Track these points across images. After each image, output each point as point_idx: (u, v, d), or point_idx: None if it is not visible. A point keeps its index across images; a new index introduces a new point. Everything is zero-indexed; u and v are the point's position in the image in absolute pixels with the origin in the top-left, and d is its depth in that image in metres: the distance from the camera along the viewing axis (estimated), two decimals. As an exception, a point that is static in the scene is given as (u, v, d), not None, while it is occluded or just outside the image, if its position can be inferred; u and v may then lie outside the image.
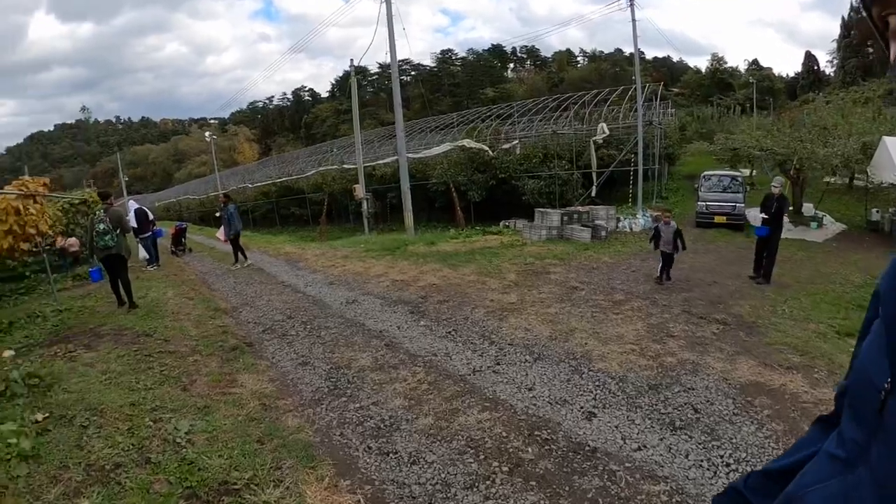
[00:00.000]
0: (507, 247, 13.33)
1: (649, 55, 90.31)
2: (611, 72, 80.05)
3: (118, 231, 8.77)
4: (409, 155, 24.41)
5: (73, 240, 13.64)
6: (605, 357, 5.96)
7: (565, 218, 14.60)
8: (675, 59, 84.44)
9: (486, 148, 23.40)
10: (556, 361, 5.92)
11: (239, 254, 13.47)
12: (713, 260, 11.84)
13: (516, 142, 23.67)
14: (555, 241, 13.99)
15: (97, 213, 8.88)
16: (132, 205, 14.84)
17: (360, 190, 22.07)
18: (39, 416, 5.01)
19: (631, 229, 15.63)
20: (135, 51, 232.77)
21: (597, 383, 5.30)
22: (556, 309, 7.93)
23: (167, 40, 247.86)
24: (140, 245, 14.42)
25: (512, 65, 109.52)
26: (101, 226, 8.64)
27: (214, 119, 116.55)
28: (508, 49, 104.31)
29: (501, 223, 18.25)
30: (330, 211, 27.37)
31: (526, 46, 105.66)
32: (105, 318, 8.59)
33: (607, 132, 20.73)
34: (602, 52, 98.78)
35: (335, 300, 9.29)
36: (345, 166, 30.37)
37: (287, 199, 34.73)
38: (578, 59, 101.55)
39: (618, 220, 16.13)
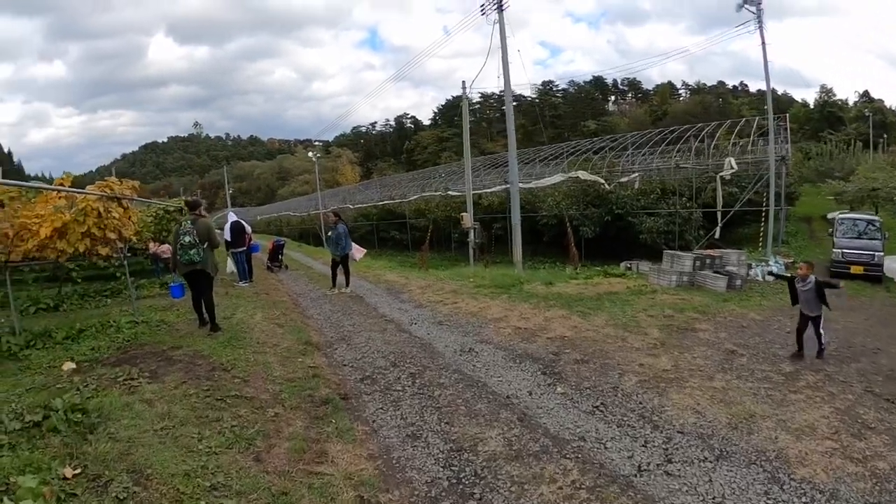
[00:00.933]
0: (636, 293, 11.48)
1: (752, 87, 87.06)
2: (715, 105, 77.07)
3: (205, 245, 7.89)
4: (521, 185, 23.24)
5: (165, 246, 13.28)
6: (805, 459, 4.50)
7: (697, 263, 12.65)
8: (780, 91, 79.24)
9: (602, 181, 22.01)
10: (744, 463, 4.48)
11: (338, 277, 12.44)
12: (864, 319, 9.73)
13: (635, 175, 22.32)
14: (687, 288, 12.07)
15: (183, 223, 8.02)
16: (231, 216, 14.32)
17: (468, 219, 20.78)
18: (69, 472, 3.86)
19: (763, 278, 13.45)
20: (246, 74, 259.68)
21: (805, 500, 3.94)
22: (722, 382, 6.16)
23: (276, 65, 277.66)
24: (230, 259, 13.82)
25: (613, 97, 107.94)
26: (187, 238, 7.77)
27: (319, 141, 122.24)
28: (609, 81, 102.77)
29: (622, 264, 16.35)
30: (432, 238, 26.34)
31: (627, 79, 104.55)
32: (182, 338, 7.59)
33: (735, 167, 19.02)
34: (705, 84, 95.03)
35: (448, 346, 7.78)
36: (450, 193, 29.89)
37: (387, 223, 34.40)
38: (681, 91, 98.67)
39: (749, 266, 13.93)
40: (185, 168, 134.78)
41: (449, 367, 6.84)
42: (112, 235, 8.04)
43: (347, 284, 12.33)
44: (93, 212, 7.77)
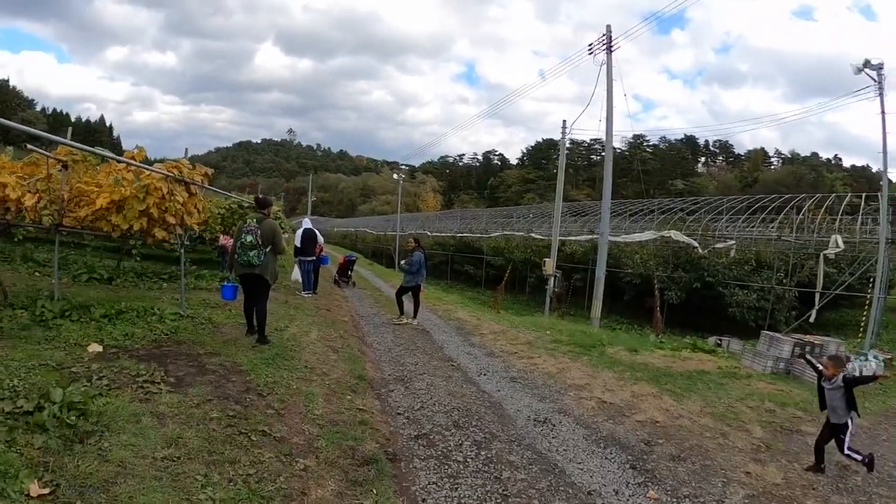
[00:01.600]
0: (729, 376, 9.92)
1: (846, 162, 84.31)
2: (808, 177, 73.14)
3: (268, 249, 7.23)
4: (609, 237, 22.14)
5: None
6: None
7: (797, 349, 10.95)
8: (874, 168, 74.00)
9: (696, 244, 20.67)
10: None
11: (406, 305, 11.56)
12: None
13: (732, 242, 20.90)
14: (783, 377, 10.45)
15: (248, 221, 7.40)
16: (305, 223, 13.84)
17: (550, 265, 19.70)
18: (35, 489, 3.09)
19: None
20: (344, 91, 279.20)
21: None
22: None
23: (374, 87, 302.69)
24: (297, 266, 13.26)
25: (703, 158, 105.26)
26: (249, 238, 7.12)
27: (405, 165, 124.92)
28: (700, 141, 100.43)
29: (712, 339, 14.68)
30: (510, 279, 25.21)
31: (719, 140, 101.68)
32: (223, 344, 6.84)
33: (842, 246, 17.48)
34: (798, 154, 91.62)
35: (521, 411, 6.62)
36: (532, 235, 29.21)
37: (463, 256, 33.62)
38: (772, 159, 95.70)
39: (847, 358, 12.04)
40: (273, 170, 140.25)
41: (521, 440, 5.68)
42: (172, 220, 7.47)
43: (415, 316, 11.40)
44: (155, 191, 7.23)
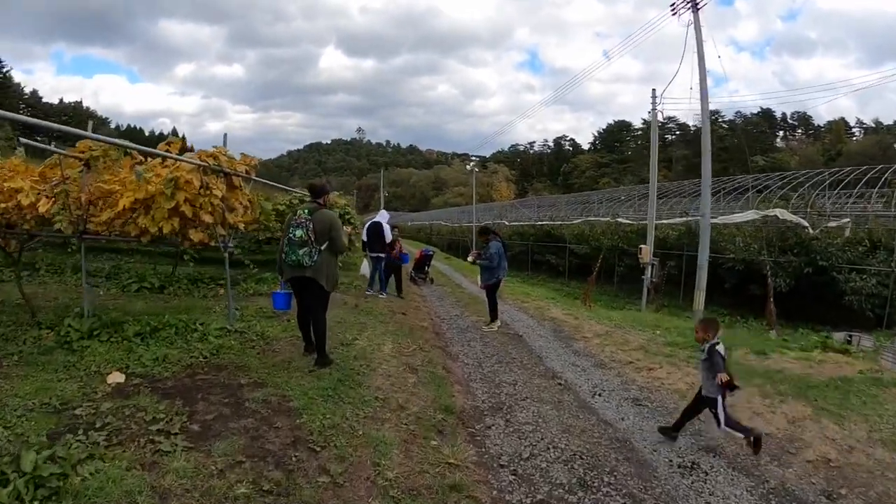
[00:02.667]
0: (875, 383, 7.59)
1: None
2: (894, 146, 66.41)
3: (323, 246, 5.82)
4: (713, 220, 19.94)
5: None
6: None
7: None
8: None
9: (806, 224, 18.01)
10: None
11: (497, 311, 9.95)
12: None
13: (847, 220, 18.83)
14: None
15: (299, 212, 5.98)
16: (383, 215, 12.54)
17: (647, 252, 17.57)
18: None
19: None
20: (410, 87, 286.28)
21: None
22: None
23: (439, 81, 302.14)
24: (366, 259, 11.99)
25: (781, 132, 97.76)
26: (298, 232, 5.72)
27: (476, 156, 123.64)
28: (778, 114, 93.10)
29: (838, 336, 12.37)
30: (600, 270, 23.06)
31: (798, 112, 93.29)
32: (273, 369, 5.51)
33: None
34: (881, 122, 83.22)
35: (658, 451, 4.91)
36: (619, 220, 26.98)
37: (543, 245, 31.68)
38: (854, 129, 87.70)
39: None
40: (345, 169, 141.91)
41: (673, 502, 3.98)
42: (208, 218, 6.15)
43: (494, 319, 9.73)
44: (186, 185, 5.93)
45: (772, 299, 15.93)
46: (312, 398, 4.71)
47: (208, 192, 6.13)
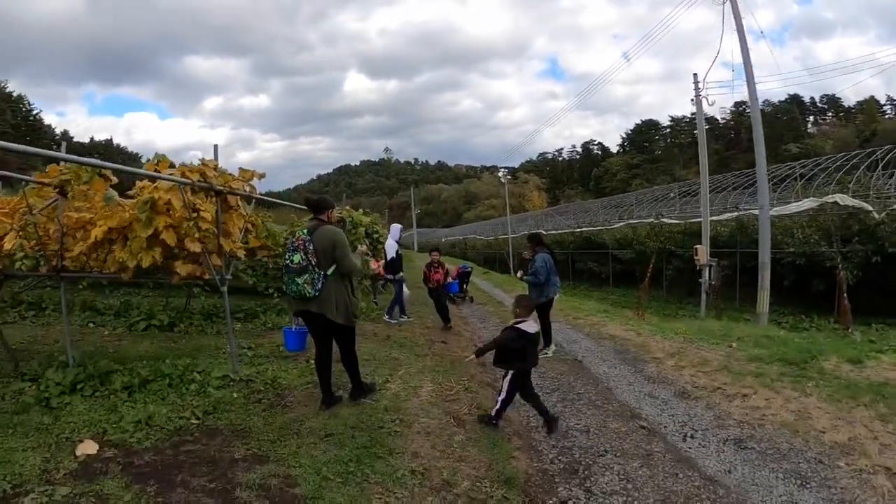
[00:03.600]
0: None
1: None
2: None
3: (329, 270, 4.78)
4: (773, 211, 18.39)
5: None
6: None
7: None
8: None
9: (870, 208, 16.23)
10: None
11: (551, 334, 8.51)
12: None
13: None
14: None
15: (297, 232, 4.99)
16: (394, 230, 10.92)
17: (703, 253, 15.97)
18: None
19: None
20: (434, 104, 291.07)
21: None
22: None
23: (462, 96, 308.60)
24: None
25: (811, 118, 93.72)
26: (296, 257, 4.72)
27: (505, 167, 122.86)
28: (806, 99, 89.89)
29: None
30: (652, 275, 21.37)
31: (826, 95, 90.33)
32: (280, 433, 4.35)
33: None
34: None
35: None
36: (664, 220, 25.13)
37: (584, 253, 30.16)
38: (885, 108, 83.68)
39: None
40: (375, 189, 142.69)
41: None
42: (195, 247, 5.04)
43: (548, 343, 8.30)
44: (167, 207, 4.85)
45: (845, 294, 14.28)
46: (326, 478, 3.51)
47: (196, 214, 5.02)
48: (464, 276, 14.76)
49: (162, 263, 5.11)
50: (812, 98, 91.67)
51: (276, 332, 8.52)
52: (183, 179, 4.88)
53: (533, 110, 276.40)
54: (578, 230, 32.26)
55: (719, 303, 17.06)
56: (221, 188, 5.24)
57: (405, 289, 10.41)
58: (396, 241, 10.34)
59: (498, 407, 4.94)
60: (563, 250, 32.37)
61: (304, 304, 4.77)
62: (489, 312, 12.93)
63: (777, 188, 24.55)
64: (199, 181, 5.01)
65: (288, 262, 4.76)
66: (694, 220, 23.16)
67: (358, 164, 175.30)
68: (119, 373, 5.40)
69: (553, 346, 8.27)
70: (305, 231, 4.87)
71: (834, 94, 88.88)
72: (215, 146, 5.46)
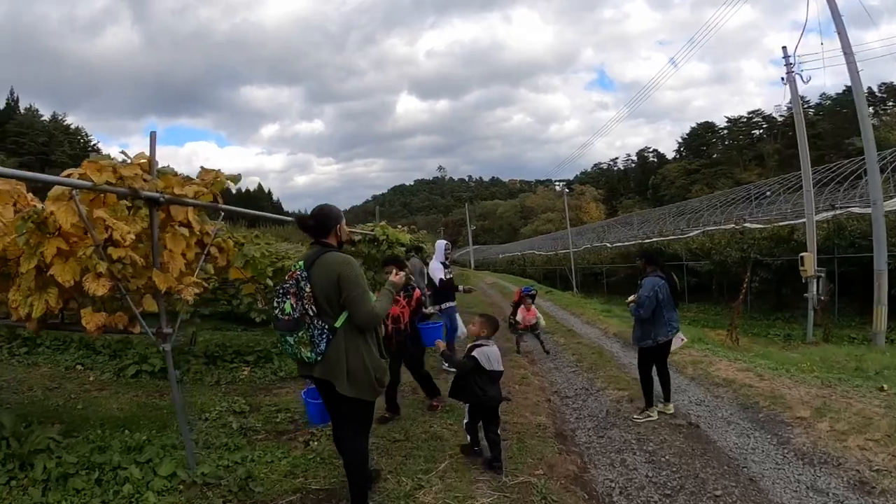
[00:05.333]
0: None
1: None
2: None
3: (339, 321, 3.15)
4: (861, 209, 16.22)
5: None
6: None
7: None
8: None
9: None
10: None
11: (652, 389, 6.00)
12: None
13: None
14: None
15: (294, 267, 3.26)
16: (440, 248, 8.49)
17: (810, 262, 13.32)
18: None
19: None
20: (485, 121, 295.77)
21: None
22: None
23: (513, 112, 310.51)
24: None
25: (871, 109, 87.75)
26: (286, 305, 3.11)
27: (560, 180, 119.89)
28: (864, 90, 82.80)
29: None
30: (745, 291, 18.43)
31: (885, 84, 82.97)
32: None
33: None
34: None
35: None
36: (747, 225, 22.25)
37: (654, 266, 27.53)
38: None
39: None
40: (430, 208, 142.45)
41: None
42: (96, 288, 3.12)
43: (650, 404, 5.84)
44: (56, 227, 3.04)
45: None
46: None
47: (108, 237, 3.15)
48: (527, 300, 12.04)
49: (64, 310, 3.27)
50: (870, 88, 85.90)
51: (289, 383, 6.69)
52: (81, 182, 3.01)
53: (584, 122, 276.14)
54: (647, 240, 29.52)
55: (827, 321, 14.30)
56: (156, 195, 3.34)
57: (460, 324, 8.21)
58: (442, 263, 8.20)
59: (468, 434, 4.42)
60: (630, 264, 29.91)
61: (307, 370, 3.19)
62: (558, 345, 10.48)
63: (856, 184, 21.58)
64: (111, 186, 3.12)
65: (277, 311, 3.12)
66: (782, 224, 20.46)
67: (412, 183, 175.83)
68: (46, 454, 3.79)
69: (657, 408, 5.94)
70: (302, 266, 3.14)
71: (892, 82, 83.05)
72: (152, 134, 3.55)
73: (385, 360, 3.30)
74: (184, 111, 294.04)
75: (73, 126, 66.85)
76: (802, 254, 13.62)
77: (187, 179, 3.90)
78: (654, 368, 5.88)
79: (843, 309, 16.46)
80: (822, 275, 13.87)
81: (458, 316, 8.12)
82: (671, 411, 5.87)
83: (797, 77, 13.56)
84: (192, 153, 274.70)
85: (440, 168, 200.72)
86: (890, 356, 9.42)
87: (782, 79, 13.87)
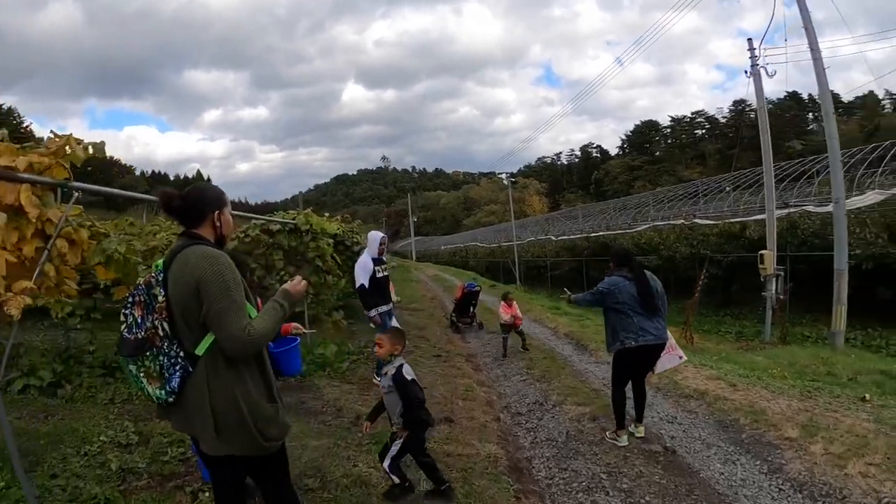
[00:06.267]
0: None
1: None
2: None
3: (200, 347, 2.15)
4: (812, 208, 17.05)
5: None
6: None
7: None
8: None
9: None
10: None
11: (623, 410, 5.17)
12: None
13: None
14: None
15: (155, 267, 2.28)
16: (372, 238, 7.11)
17: (769, 260, 13.18)
18: None
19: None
20: (432, 112, 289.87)
21: None
22: None
23: (459, 104, 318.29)
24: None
25: (810, 115, 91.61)
26: (132, 318, 2.18)
27: (504, 173, 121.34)
28: (804, 96, 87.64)
29: None
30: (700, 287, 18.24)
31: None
32: None
33: None
34: None
35: None
36: (697, 221, 22.40)
37: (598, 260, 27.22)
38: (884, 102, 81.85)
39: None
40: (373, 198, 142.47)
41: None
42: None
43: (621, 426, 5.09)
44: None
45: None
46: None
47: None
48: (471, 297, 11.49)
49: None
50: (810, 95, 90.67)
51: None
52: None
53: (529, 116, 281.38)
54: (594, 234, 29.24)
55: (785, 321, 14.17)
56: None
57: (395, 324, 7.20)
58: (374, 258, 6.70)
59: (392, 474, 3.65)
60: (576, 257, 29.66)
61: (164, 414, 2.33)
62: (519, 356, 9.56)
63: (793, 186, 22.10)
64: None
65: (123, 328, 2.24)
66: (733, 221, 20.57)
67: (355, 173, 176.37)
68: None
69: (627, 432, 5.15)
70: (162, 266, 2.25)
71: (833, 91, 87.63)
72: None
73: (273, 405, 2.31)
74: (125, 93, 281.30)
75: (5, 106, 63.27)
76: (762, 251, 13.41)
77: (26, 149, 2.86)
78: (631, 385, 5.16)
79: (792, 308, 16.56)
80: (782, 273, 13.72)
81: (394, 320, 7.11)
82: (641, 434, 5.13)
83: (762, 70, 13.34)
84: (130, 137, 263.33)
85: (384, 158, 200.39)
86: (856, 359, 9.17)
87: (746, 72, 13.72)
